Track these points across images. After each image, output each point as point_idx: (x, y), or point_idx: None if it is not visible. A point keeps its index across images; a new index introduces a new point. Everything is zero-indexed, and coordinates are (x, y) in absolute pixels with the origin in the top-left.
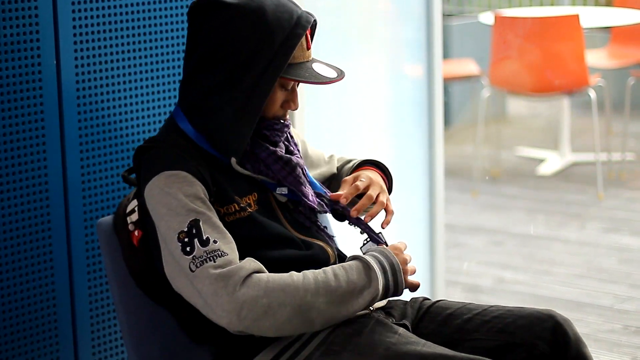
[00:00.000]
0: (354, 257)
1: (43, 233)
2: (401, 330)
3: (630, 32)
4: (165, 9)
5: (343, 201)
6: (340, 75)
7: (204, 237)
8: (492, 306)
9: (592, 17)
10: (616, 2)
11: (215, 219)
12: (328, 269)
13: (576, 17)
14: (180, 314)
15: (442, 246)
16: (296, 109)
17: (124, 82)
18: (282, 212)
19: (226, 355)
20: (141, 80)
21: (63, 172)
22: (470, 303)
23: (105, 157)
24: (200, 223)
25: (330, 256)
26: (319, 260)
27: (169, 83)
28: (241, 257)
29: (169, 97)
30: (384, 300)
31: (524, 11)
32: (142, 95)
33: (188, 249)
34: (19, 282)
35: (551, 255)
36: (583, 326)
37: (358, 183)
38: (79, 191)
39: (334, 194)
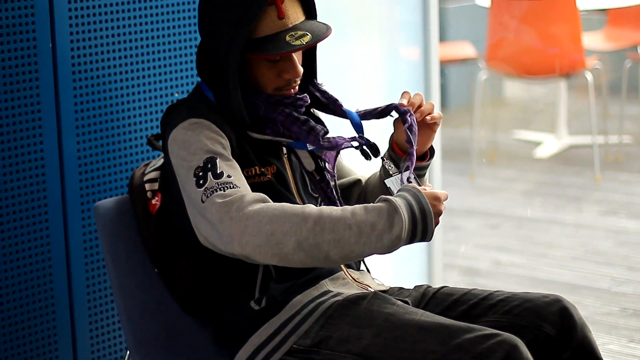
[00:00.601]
0: (384, 199)
1: (40, 217)
2: (400, 302)
3: (627, 14)
4: (163, 36)
5: (404, 102)
6: (317, 37)
7: (218, 171)
8: (497, 291)
9: None
10: None
11: (233, 161)
12: (348, 207)
13: None
14: (179, 290)
15: (439, 229)
16: (295, 77)
17: (121, 65)
18: (295, 184)
19: (225, 333)
20: (137, 63)
21: (59, 155)
22: (474, 289)
23: (101, 140)
24: (217, 160)
25: None
26: None
27: (165, 66)
28: None
29: (165, 80)
30: (385, 286)
31: None
32: (138, 78)
33: (201, 181)
34: (16, 266)
35: (548, 238)
36: (581, 309)
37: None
38: (76, 174)
39: (400, 102)
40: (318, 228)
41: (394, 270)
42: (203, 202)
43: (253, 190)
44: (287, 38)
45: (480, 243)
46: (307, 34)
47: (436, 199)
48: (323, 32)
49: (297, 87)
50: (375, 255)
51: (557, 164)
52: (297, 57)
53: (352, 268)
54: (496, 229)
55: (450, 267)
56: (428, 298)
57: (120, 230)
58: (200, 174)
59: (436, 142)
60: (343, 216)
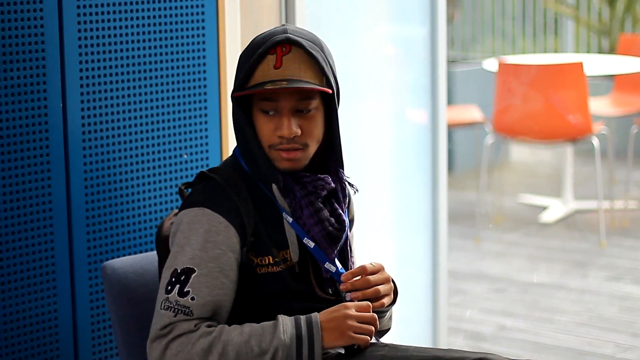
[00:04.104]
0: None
1: (47, 276)
2: (390, 344)
3: (634, 81)
4: (166, 53)
5: (343, 278)
6: (294, 84)
7: (185, 290)
8: (418, 349)
9: (596, 65)
10: (620, 50)
11: (215, 278)
12: (247, 329)
13: (580, 65)
14: None
15: (444, 293)
16: (285, 135)
17: (131, 127)
18: (314, 268)
19: None
20: (147, 124)
21: (68, 215)
22: (401, 346)
23: (110, 200)
24: (193, 275)
25: None
26: None
27: (175, 127)
28: (267, 308)
29: (175, 142)
30: None
31: (528, 58)
32: (148, 139)
33: (169, 287)
34: (23, 325)
35: (553, 303)
36: None
37: (367, 265)
38: (84, 234)
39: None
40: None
41: (399, 332)
42: (160, 307)
43: (265, 280)
44: (269, 85)
45: (485, 307)
46: (287, 81)
47: (344, 306)
48: (307, 84)
49: (299, 157)
50: None
51: (562, 228)
52: (305, 123)
53: None
54: (501, 294)
55: (455, 331)
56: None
57: (128, 291)
58: (173, 279)
59: (442, 205)
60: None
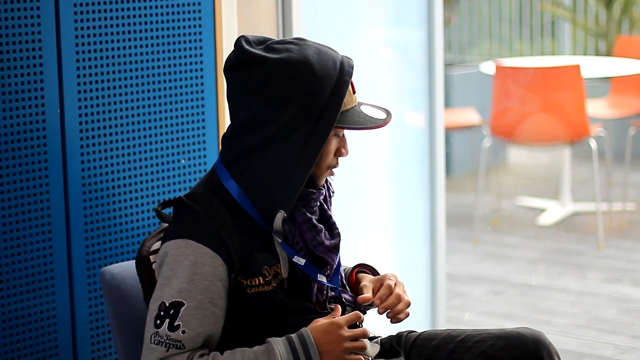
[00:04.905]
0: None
1: (46, 282)
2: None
3: (631, 82)
4: (164, 58)
5: (377, 302)
6: (389, 115)
7: (175, 324)
8: (474, 330)
9: (593, 67)
10: (617, 52)
11: (203, 309)
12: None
13: (577, 67)
14: None
15: (443, 296)
16: (347, 154)
17: (128, 132)
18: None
19: None
20: (145, 129)
21: (66, 220)
22: (453, 330)
23: (108, 205)
24: (182, 308)
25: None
26: None
27: (173, 132)
28: (260, 325)
29: (173, 147)
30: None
31: (525, 61)
32: (146, 144)
33: (158, 322)
34: (22, 331)
35: (552, 305)
36: None
37: (389, 282)
38: (82, 240)
39: (362, 296)
40: None
41: None
42: (150, 341)
43: (257, 300)
44: (365, 111)
45: (484, 310)
46: (380, 110)
47: (335, 325)
48: (389, 112)
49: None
50: None
51: (560, 231)
52: None
53: None
54: (500, 296)
55: None
56: (409, 347)
57: (126, 296)
58: (162, 313)
59: (440, 208)
60: None
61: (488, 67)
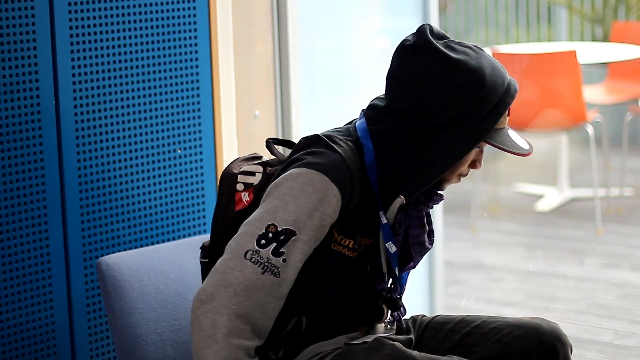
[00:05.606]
0: None
1: (43, 273)
2: (395, 344)
3: (628, 68)
4: (159, 49)
5: None
6: (531, 148)
7: (281, 250)
8: (490, 317)
9: (589, 53)
10: (613, 37)
11: (309, 246)
12: None
13: (573, 53)
14: None
15: (441, 283)
16: (479, 168)
17: (124, 122)
18: (373, 266)
19: None
20: (140, 120)
21: (62, 212)
22: (468, 315)
23: (104, 196)
24: (292, 238)
25: (384, 318)
26: (368, 318)
27: (168, 123)
28: (312, 284)
29: (168, 137)
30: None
31: (521, 47)
32: (141, 134)
33: (263, 242)
34: (19, 322)
35: (550, 291)
36: None
37: None
38: (79, 230)
39: None
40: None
41: None
42: (245, 256)
43: (332, 257)
44: (511, 135)
45: (482, 297)
46: (523, 140)
47: None
48: (530, 145)
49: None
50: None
51: (558, 217)
52: None
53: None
54: (498, 283)
55: None
56: (422, 329)
57: (123, 287)
58: (270, 235)
59: None
60: None
61: None
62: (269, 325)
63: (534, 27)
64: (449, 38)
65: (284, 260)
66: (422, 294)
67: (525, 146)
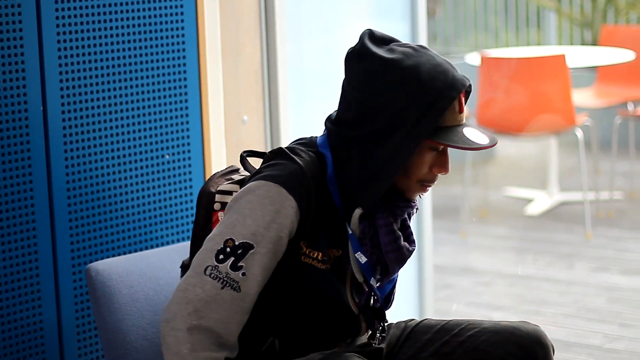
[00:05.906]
0: None
1: (31, 279)
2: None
3: (617, 72)
4: (146, 54)
5: None
6: (492, 142)
7: (239, 264)
8: (470, 324)
9: (578, 57)
10: (602, 41)
11: (269, 258)
12: None
13: (562, 57)
14: None
15: (431, 287)
16: (446, 173)
17: (112, 128)
18: (352, 278)
19: None
20: (128, 125)
21: (51, 218)
22: (451, 320)
23: (93, 202)
24: (250, 252)
25: (362, 332)
26: (348, 334)
27: (156, 128)
28: (286, 301)
29: (156, 142)
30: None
31: (510, 52)
32: (129, 140)
33: (221, 257)
34: (8, 329)
35: (540, 295)
36: None
37: None
38: (67, 236)
39: None
40: None
41: None
42: (204, 272)
43: (304, 271)
44: (466, 133)
45: (472, 301)
46: (484, 137)
47: None
48: (493, 139)
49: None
50: None
51: (548, 220)
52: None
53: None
54: (488, 287)
55: None
56: (407, 334)
57: (112, 293)
58: (228, 250)
59: (427, 200)
60: None
61: (473, 59)
62: (234, 339)
63: (524, 31)
64: (396, 41)
65: (243, 274)
66: (412, 299)
67: (484, 141)
